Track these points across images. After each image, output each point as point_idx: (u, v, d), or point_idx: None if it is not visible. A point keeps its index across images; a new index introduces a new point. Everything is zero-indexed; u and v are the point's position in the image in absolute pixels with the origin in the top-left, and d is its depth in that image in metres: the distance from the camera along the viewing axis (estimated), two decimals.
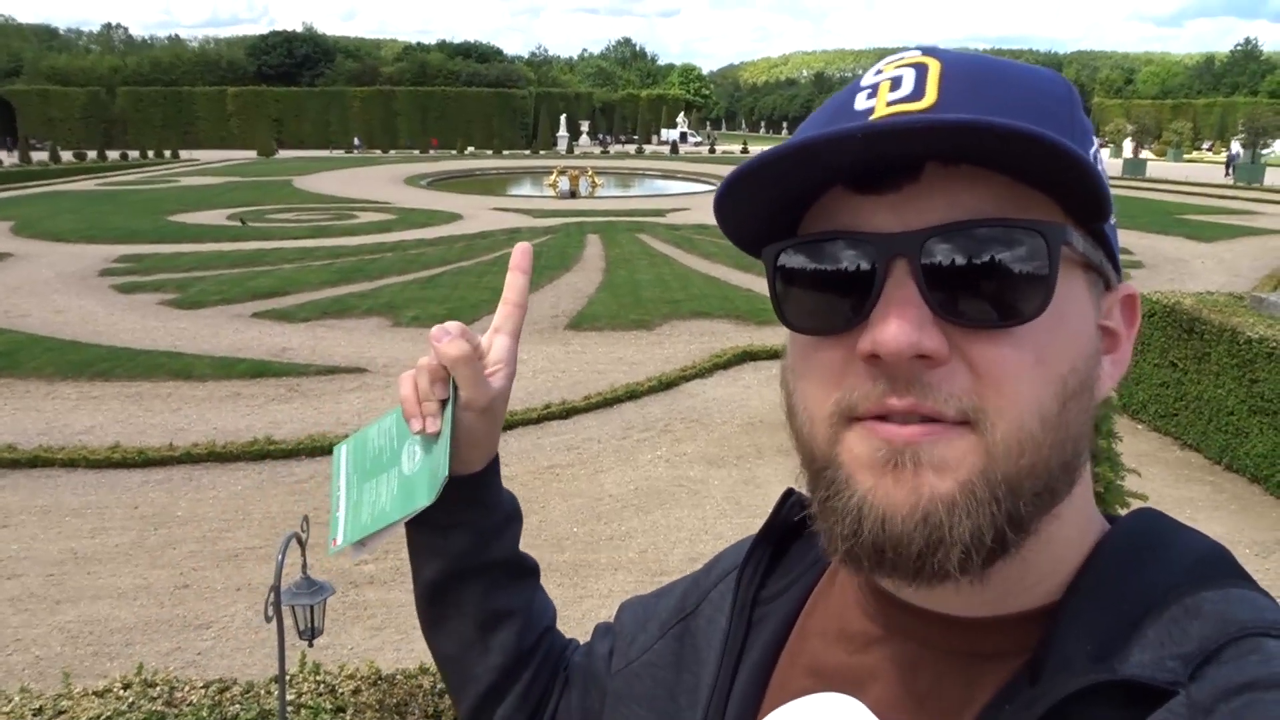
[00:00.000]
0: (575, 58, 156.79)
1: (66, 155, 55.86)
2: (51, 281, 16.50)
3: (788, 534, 0.77)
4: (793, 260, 0.58)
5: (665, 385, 10.34)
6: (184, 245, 20.76)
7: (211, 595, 6.11)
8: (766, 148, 0.55)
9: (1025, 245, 0.52)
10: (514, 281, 0.90)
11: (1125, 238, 21.52)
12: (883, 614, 0.64)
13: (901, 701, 0.60)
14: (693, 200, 33.21)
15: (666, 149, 74.18)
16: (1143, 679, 0.50)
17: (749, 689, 0.69)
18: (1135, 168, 48.15)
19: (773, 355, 11.64)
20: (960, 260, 0.52)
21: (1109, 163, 54.63)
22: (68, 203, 30.17)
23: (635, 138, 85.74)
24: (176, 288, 15.75)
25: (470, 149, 70.02)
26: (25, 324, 13.21)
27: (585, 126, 77.94)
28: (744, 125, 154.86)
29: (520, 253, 0.90)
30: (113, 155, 58.07)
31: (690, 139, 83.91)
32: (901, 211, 0.54)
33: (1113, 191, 0.55)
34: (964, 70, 0.56)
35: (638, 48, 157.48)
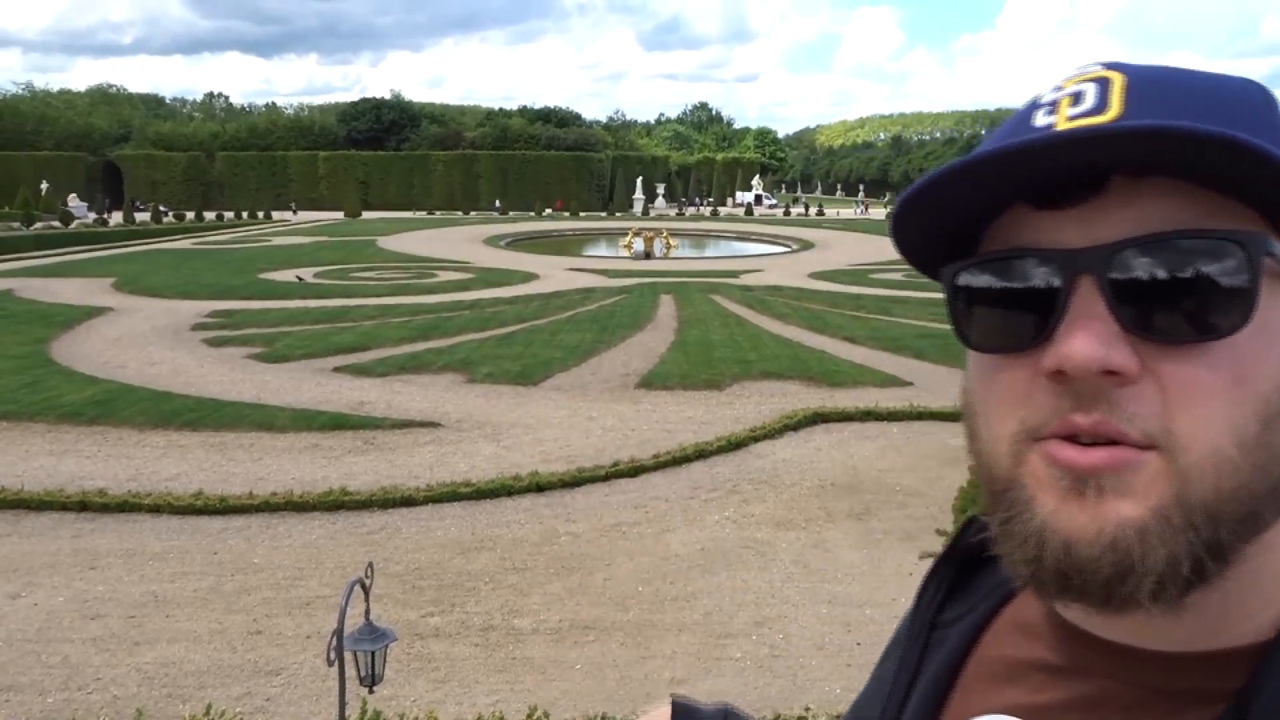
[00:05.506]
0: (653, 121, 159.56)
1: (167, 216, 58.69)
2: (148, 334, 17.26)
3: (970, 560, 0.73)
4: (973, 279, 0.56)
5: (734, 445, 10.29)
6: (272, 301, 21.58)
7: (282, 642, 6.23)
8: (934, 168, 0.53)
9: (1222, 257, 0.49)
10: None
11: None
12: (1067, 646, 0.59)
13: None
14: (766, 262, 33.29)
15: (741, 211, 74.62)
16: None
17: (921, 712, 0.67)
18: None
19: (844, 417, 11.50)
20: (1151, 274, 0.49)
21: None
22: (166, 260, 31.68)
23: (710, 200, 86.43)
24: (264, 342, 16.34)
25: (548, 211, 71.49)
26: (122, 374, 13.83)
27: (661, 189, 78.94)
28: (819, 188, 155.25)
29: None
30: (209, 216, 60.82)
31: (765, 201, 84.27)
32: (1087, 225, 0.52)
33: None
34: (1150, 81, 0.54)
35: (714, 111, 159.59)
